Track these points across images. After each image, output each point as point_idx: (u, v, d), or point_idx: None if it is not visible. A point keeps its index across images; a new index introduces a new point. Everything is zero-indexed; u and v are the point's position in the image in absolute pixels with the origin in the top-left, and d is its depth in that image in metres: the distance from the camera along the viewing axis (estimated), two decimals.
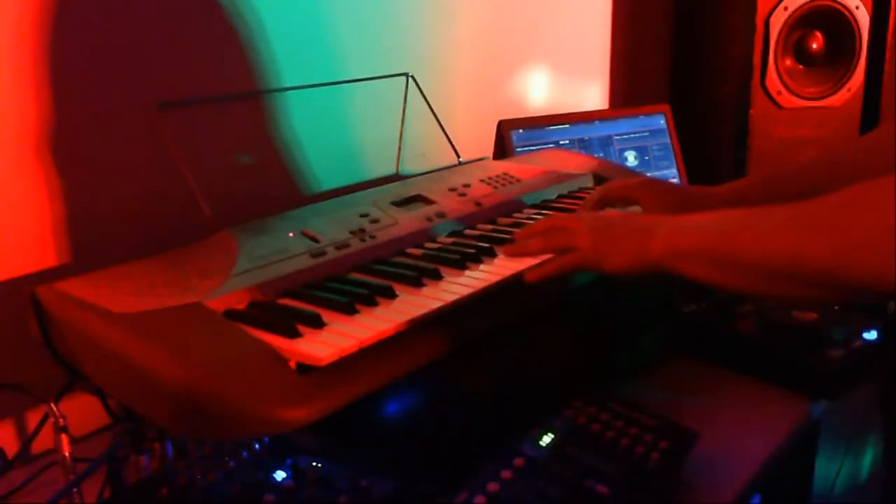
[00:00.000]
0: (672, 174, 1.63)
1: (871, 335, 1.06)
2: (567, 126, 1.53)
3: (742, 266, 0.61)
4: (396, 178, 1.34)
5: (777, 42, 1.67)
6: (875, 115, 1.78)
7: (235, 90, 1.11)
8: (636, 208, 0.97)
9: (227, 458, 0.78)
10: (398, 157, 1.36)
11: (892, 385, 0.74)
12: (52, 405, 0.73)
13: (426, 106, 1.32)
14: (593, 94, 1.83)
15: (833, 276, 0.54)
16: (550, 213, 1.10)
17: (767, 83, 1.69)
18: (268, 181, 1.17)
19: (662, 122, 1.65)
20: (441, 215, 1.02)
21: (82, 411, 1.00)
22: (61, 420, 0.72)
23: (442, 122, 1.33)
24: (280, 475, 0.76)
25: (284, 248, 0.86)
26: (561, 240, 0.79)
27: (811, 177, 0.89)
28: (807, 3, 1.67)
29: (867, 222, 0.52)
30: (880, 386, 0.75)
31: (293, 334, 0.69)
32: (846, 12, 1.69)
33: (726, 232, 0.63)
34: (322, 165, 1.24)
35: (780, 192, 0.90)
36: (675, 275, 0.67)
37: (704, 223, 0.67)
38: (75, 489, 0.73)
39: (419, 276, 0.82)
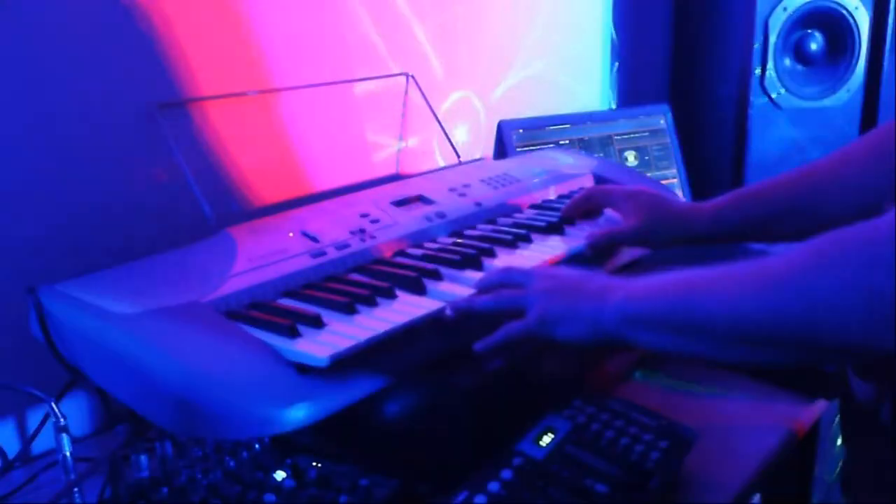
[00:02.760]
0: (672, 174, 1.63)
1: None
2: (567, 126, 1.53)
3: (708, 332, 0.59)
4: (396, 178, 1.34)
5: (777, 42, 1.67)
6: (874, 116, 1.78)
7: (235, 90, 1.11)
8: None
9: (227, 458, 0.78)
10: (398, 157, 1.36)
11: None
12: (52, 405, 0.73)
13: (426, 106, 1.32)
14: (593, 94, 1.83)
15: (806, 339, 0.52)
16: (550, 213, 1.10)
17: (767, 83, 1.69)
18: (268, 181, 1.17)
19: (662, 122, 1.65)
20: (441, 215, 1.02)
21: (82, 411, 1.00)
22: (61, 420, 0.72)
23: (442, 122, 1.33)
24: (280, 475, 0.76)
25: (284, 248, 0.86)
26: (510, 300, 0.74)
27: (788, 193, 0.88)
28: (807, 3, 1.67)
29: (835, 276, 0.50)
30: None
31: (293, 334, 0.69)
32: (846, 12, 1.69)
33: (686, 295, 0.60)
34: (322, 165, 1.24)
35: (760, 211, 0.90)
36: (630, 345, 0.65)
37: (664, 287, 0.63)
38: (75, 489, 0.73)
39: (419, 276, 0.82)
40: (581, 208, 1.05)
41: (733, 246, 1.00)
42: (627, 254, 1.01)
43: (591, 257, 0.96)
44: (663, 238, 0.95)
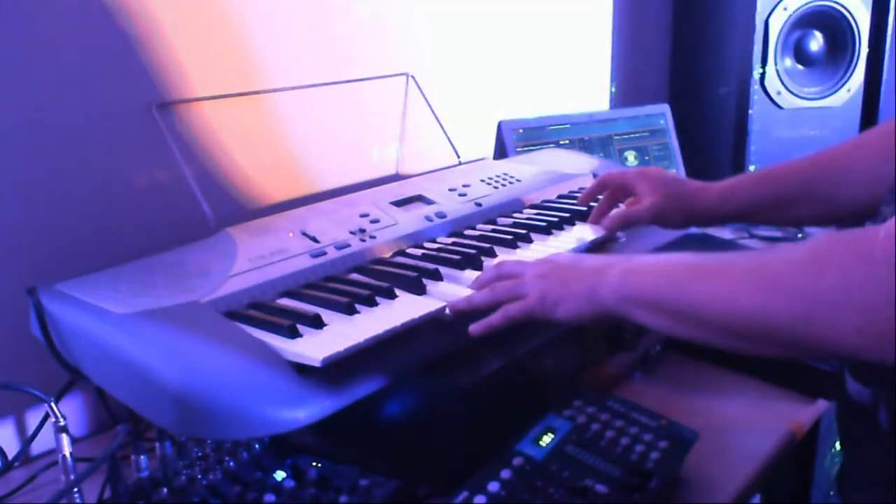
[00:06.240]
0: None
1: None
2: (567, 126, 1.53)
3: (700, 320, 0.59)
4: (396, 178, 1.34)
5: (777, 42, 1.67)
6: (874, 116, 1.78)
7: (235, 90, 1.11)
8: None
9: (227, 458, 0.78)
10: (398, 157, 1.36)
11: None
12: (52, 405, 0.73)
13: (426, 106, 1.32)
14: (593, 94, 1.83)
15: (799, 340, 0.53)
16: (550, 213, 1.10)
17: (767, 83, 1.69)
18: (268, 181, 1.17)
19: (662, 121, 1.65)
20: (441, 215, 1.02)
21: (82, 411, 1.00)
22: (61, 420, 0.72)
23: (442, 122, 1.33)
24: (280, 475, 0.76)
25: (284, 248, 0.86)
26: (508, 289, 0.74)
27: (799, 177, 0.89)
28: (807, 3, 1.67)
29: (833, 284, 0.50)
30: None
31: (293, 334, 0.69)
32: (846, 12, 1.69)
33: (682, 282, 0.60)
34: (322, 165, 1.24)
35: (771, 193, 0.91)
36: (629, 321, 0.65)
37: (658, 268, 0.64)
38: (75, 489, 0.73)
39: (419, 276, 0.82)
40: (596, 194, 1.05)
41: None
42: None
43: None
44: (677, 216, 0.95)
